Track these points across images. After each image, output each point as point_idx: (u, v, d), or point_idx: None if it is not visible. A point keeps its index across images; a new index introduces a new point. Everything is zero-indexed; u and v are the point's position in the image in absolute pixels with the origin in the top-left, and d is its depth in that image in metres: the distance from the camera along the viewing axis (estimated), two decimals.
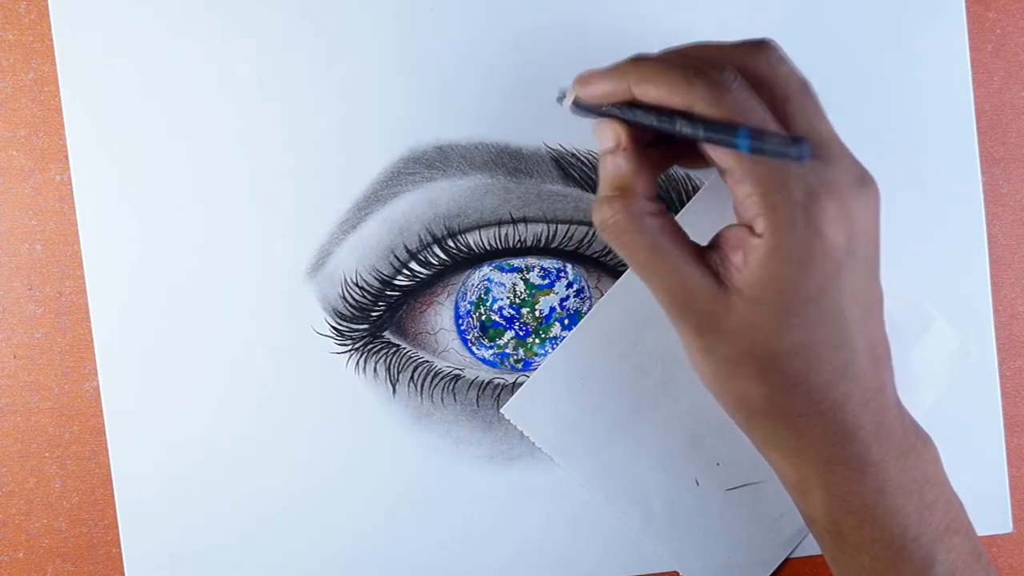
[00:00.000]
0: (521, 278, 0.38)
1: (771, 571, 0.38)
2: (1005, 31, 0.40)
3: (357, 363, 0.38)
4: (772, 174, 0.28)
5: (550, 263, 0.38)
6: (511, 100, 0.38)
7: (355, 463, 0.38)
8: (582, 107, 0.32)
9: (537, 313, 0.38)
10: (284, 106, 0.38)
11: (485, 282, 0.38)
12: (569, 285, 0.39)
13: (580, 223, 0.38)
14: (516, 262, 0.38)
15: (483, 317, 0.38)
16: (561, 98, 0.33)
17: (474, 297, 0.38)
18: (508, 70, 0.38)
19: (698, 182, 0.38)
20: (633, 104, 0.30)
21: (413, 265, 0.38)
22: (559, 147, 0.38)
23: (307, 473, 0.38)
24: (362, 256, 0.38)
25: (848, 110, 0.39)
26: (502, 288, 0.38)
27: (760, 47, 0.30)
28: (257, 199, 0.38)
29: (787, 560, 0.39)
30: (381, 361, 0.38)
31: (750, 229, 0.29)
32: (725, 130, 0.27)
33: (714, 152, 0.29)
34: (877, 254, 0.31)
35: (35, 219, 0.38)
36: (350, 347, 0.38)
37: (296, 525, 0.38)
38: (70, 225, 0.38)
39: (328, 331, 0.38)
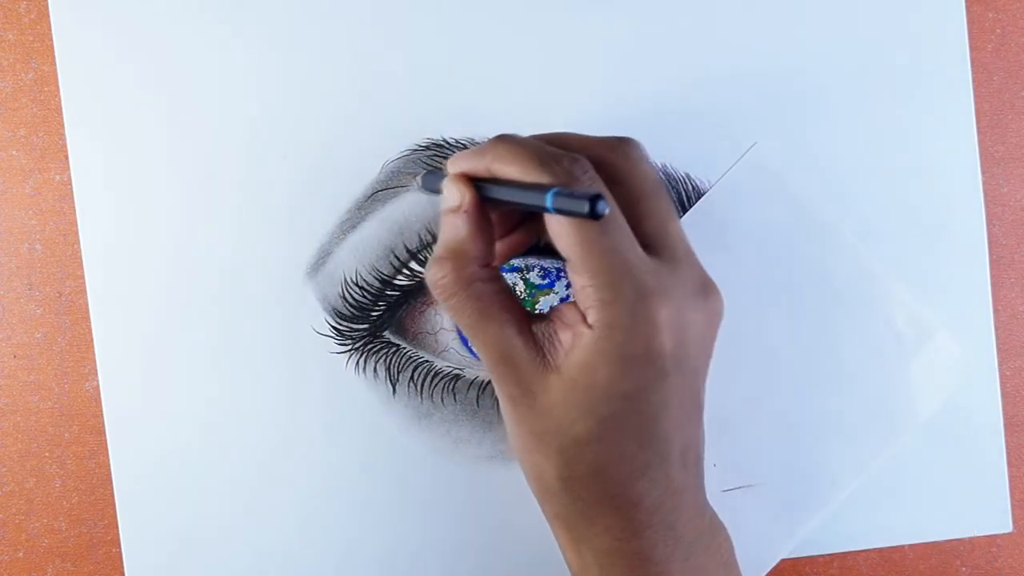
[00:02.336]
0: (521, 278, 0.38)
1: (766, 571, 0.38)
2: (1005, 31, 0.40)
3: (357, 363, 0.38)
4: (610, 269, 0.28)
5: (550, 263, 0.38)
6: (512, 99, 0.38)
7: (355, 463, 0.38)
8: (427, 184, 0.33)
9: (538, 312, 0.38)
10: (284, 106, 0.38)
11: None
12: (569, 285, 0.39)
13: None
14: (516, 262, 0.38)
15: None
16: (414, 177, 0.36)
17: None
18: (509, 69, 0.38)
19: (698, 182, 0.38)
20: (490, 181, 0.30)
21: (413, 265, 0.38)
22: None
23: (307, 473, 0.38)
24: (362, 256, 0.38)
25: (848, 110, 0.39)
26: None
27: (622, 144, 0.31)
28: (257, 199, 0.38)
29: (781, 560, 0.39)
30: (381, 361, 0.38)
31: (583, 317, 0.29)
32: (538, 192, 0.27)
33: (558, 240, 0.29)
34: (706, 364, 0.31)
35: (35, 219, 0.38)
36: (350, 347, 0.38)
37: (296, 525, 0.38)
38: (70, 225, 0.38)
39: (328, 331, 0.38)
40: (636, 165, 0.31)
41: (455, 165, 0.31)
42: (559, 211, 0.27)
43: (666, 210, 0.31)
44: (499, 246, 0.33)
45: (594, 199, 0.25)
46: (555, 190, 0.27)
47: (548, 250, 0.38)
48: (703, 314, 0.30)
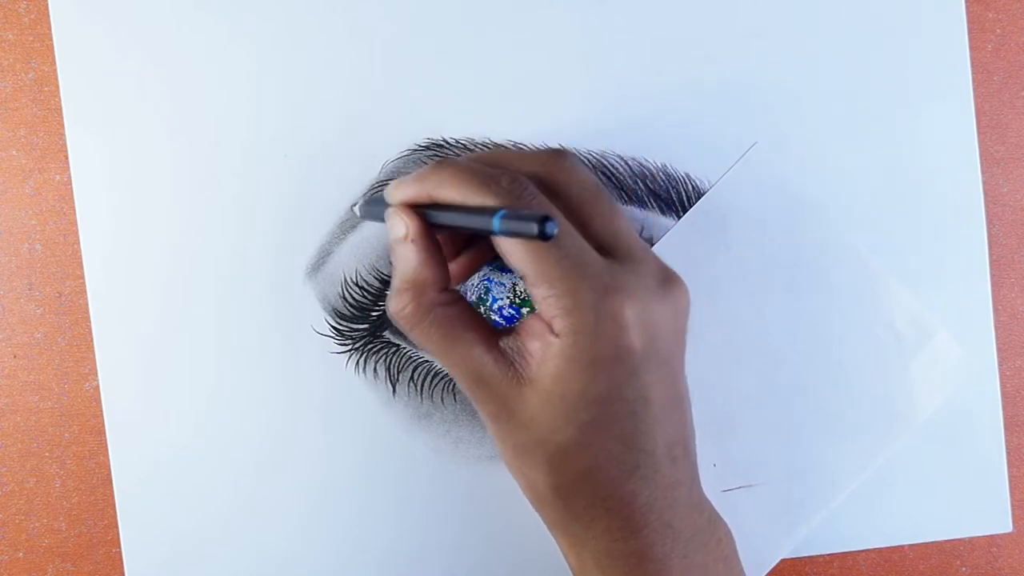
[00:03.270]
0: (521, 277, 0.38)
1: (766, 571, 0.38)
2: (1005, 31, 0.40)
3: (357, 363, 0.38)
4: (566, 276, 0.28)
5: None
6: (512, 100, 0.38)
7: (355, 463, 0.38)
8: (367, 214, 0.34)
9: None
10: (284, 106, 0.38)
11: (485, 282, 0.38)
12: None
13: None
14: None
15: (483, 316, 0.38)
16: (352, 207, 0.37)
17: (474, 297, 0.38)
18: (509, 70, 0.38)
19: (698, 182, 0.38)
20: (434, 207, 0.30)
21: None
22: (559, 147, 0.38)
23: (307, 473, 0.38)
24: (362, 256, 0.38)
25: (848, 111, 0.39)
26: (502, 288, 0.38)
27: (555, 156, 0.31)
28: (257, 199, 0.38)
29: (781, 560, 0.39)
30: (381, 361, 0.38)
31: (550, 326, 0.29)
32: (484, 215, 0.27)
33: (510, 258, 0.29)
34: (680, 355, 0.31)
35: (35, 219, 0.38)
36: (350, 347, 0.38)
37: (296, 526, 0.38)
38: (70, 225, 0.38)
39: (328, 331, 0.38)
40: (572, 174, 0.31)
41: (395, 195, 0.31)
42: (506, 233, 0.27)
43: (611, 211, 0.31)
44: (453, 267, 0.33)
45: (542, 220, 0.25)
46: (501, 213, 0.27)
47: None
48: (669, 306, 0.30)
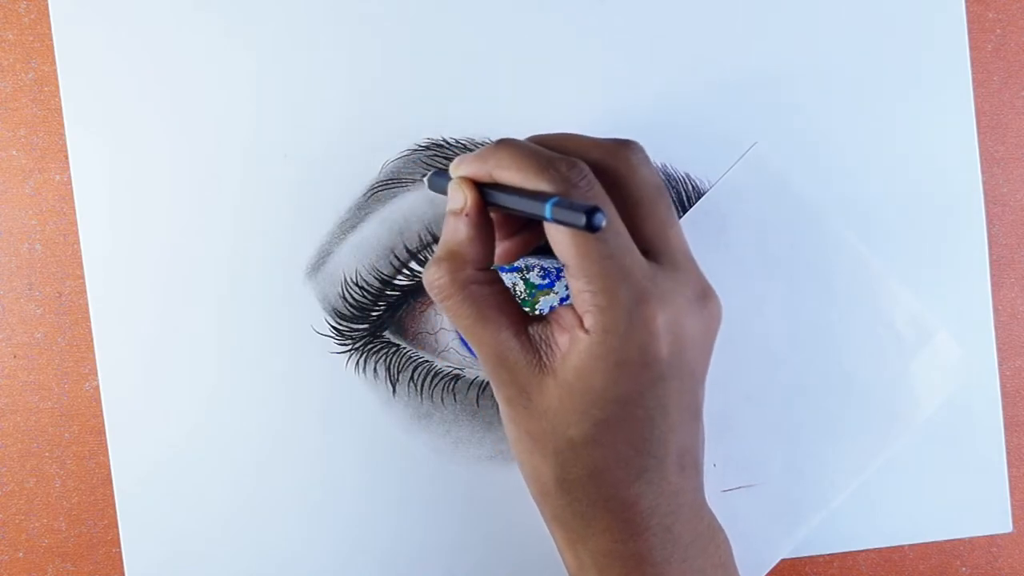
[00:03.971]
0: (521, 278, 0.38)
1: (766, 572, 0.38)
2: (1005, 31, 0.40)
3: (357, 363, 0.38)
4: (606, 275, 0.28)
5: (550, 263, 0.38)
6: (512, 100, 0.38)
7: (355, 463, 0.38)
8: (434, 185, 0.33)
9: (537, 313, 0.38)
10: (284, 106, 0.38)
11: None
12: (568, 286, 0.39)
13: None
14: (516, 262, 0.38)
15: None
16: (422, 177, 0.37)
17: None
18: (509, 70, 0.38)
19: (698, 182, 0.38)
20: (493, 187, 0.30)
21: (413, 265, 0.38)
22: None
23: (307, 474, 0.38)
24: (362, 256, 0.38)
25: (848, 110, 0.39)
26: None
27: (623, 147, 0.31)
28: (257, 199, 0.38)
29: (781, 560, 0.39)
30: (381, 361, 0.38)
31: (580, 321, 0.29)
32: (539, 200, 0.27)
33: (557, 246, 0.29)
34: (704, 369, 0.31)
35: (35, 219, 0.38)
36: (350, 347, 0.38)
37: (296, 526, 0.38)
38: (70, 225, 0.38)
39: (328, 331, 0.38)
40: (636, 170, 0.31)
41: (458, 169, 0.31)
42: (557, 221, 0.27)
43: (666, 215, 0.31)
44: (504, 246, 0.33)
45: (591, 212, 0.25)
46: (554, 200, 0.27)
47: (547, 249, 0.38)
48: (701, 320, 0.30)
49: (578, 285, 0.29)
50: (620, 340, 0.28)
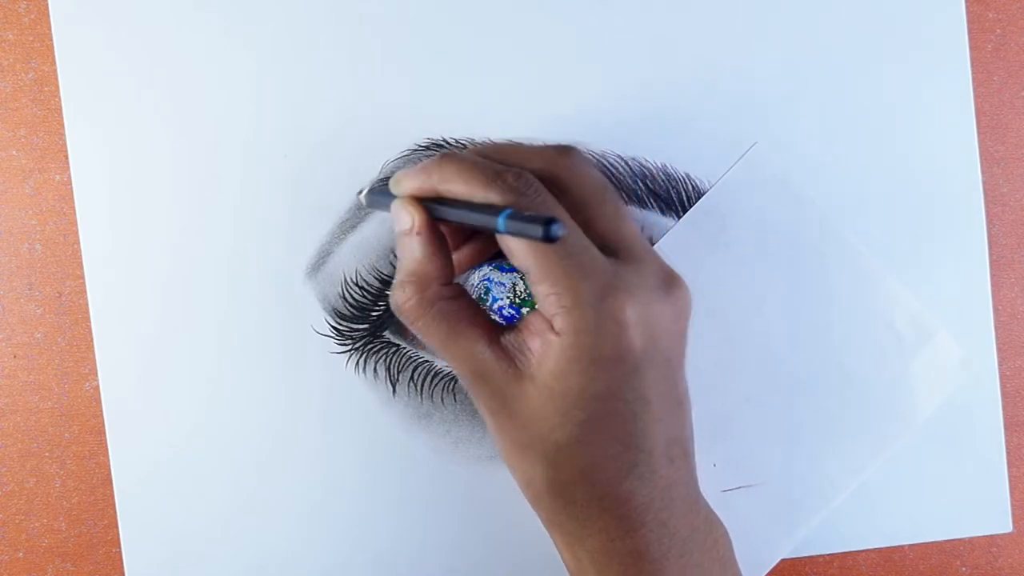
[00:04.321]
0: (521, 277, 0.38)
1: (766, 572, 0.38)
2: (1005, 31, 0.40)
3: (357, 363, 0.38)
4: (568, 275, 0.28)
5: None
6: (512, 99, 0.38)
7: (355, 463, 0.38)
8: (372, 203, 0.34)
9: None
10: (284, 106, 0.38)
11: (485, 282, 0.38)
12: None
13: None
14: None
15: (485, 312, 0.38)
16: (358, 194, 0.37)
17: (474, 297, 0.38)
18: (509, 70, 0.38)
19: (698, 182, 0.38)
20: (439, 201, 0.30)
21: None
22: (566, 144, 0.38)
23: (307, 473, 0.38)
24: (362, 256, 0.38)
25: (848, 110, 0.39)
26: (502, 288, 0.38)
27: (562, 152, 0.31)
28: (257, 199, 0.38)
29: (781, 560, 0.39)
30: (381, 361, 0.38)
31: (551, 324, 0.29)
32: (489, 213, 0.27)
33: (513, 255, 0.29)
34: (680, 357, 0.31)
35: (35, 219, 0.38)
36: (350, 347, 0.38)
37: (296, 526, 0.38)
38: (70, 225, 0.38)
39: (328, 331, 0.38)
40: (579, 172, 0.31)
41: (400, 186, 0.31)
42: (512, 233, 0.27)
43: (615, 211, 0.31)
44: (456, 256, 0.33)
45: (547, 223, 0.25)
46: (507, 212, 0.27)
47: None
48: (669, 307, 0.30)
49: (542, 289, 0.29)
50: (591, 337, 0.28)
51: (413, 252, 0.31)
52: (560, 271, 0.28)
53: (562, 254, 0.28)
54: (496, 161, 0.30)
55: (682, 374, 0.31)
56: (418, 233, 0.30)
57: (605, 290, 0.28)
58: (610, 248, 0.30)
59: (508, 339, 0.30)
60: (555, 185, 0.30)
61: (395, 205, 0.31)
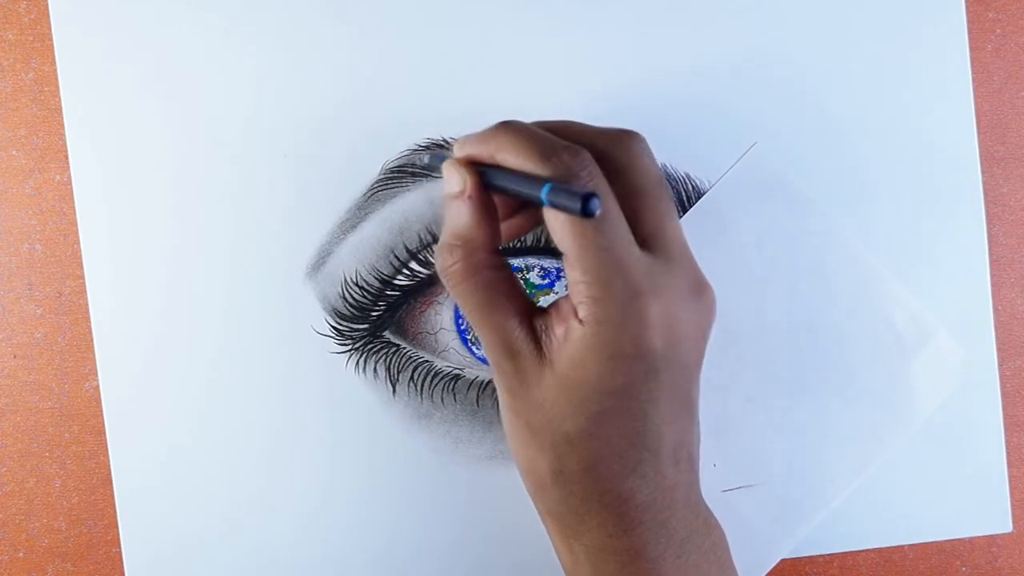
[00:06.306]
0: (521, 278, 0.38)
1: (766, 572, 0.38)
2: (1005, 31, 0.40)
3: (357, 363, 0.38)
4: (602, 266, 0.28)
5: (549, 263, 0.38)
6: (512, 99, 0.38)
7: (355, 463, 0.38)
8: (432, 165, 0.33)
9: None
10: (284, 106, 0.38)
11: None
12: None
13: None
14: (516, 262, 0.38)
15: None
16: (420, 153, 0.37)
17: None
18: (509, 69, 0.38)
19: (698, 182, 0.38)
20: (492, 168, 0.30)
21: (413, 265, 0.38)
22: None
23: (307, 473, 0.38)
24: (362, 256, 0.38)
25: (848, 110, 0.39)
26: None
27: (626, 137, 0.31)
28: (257, 199, 0.38)
29: (781, 560, 0.39)
30: (381, 361, 0.38)
31: (576, 311, 0.29)
32: (535, 184, 0.27)
33: (555, 233, 0.29)
34: (698, 363, 0.31)
35: (35, 219, 0.38)
36: (350, 347, 0.38)
37: (296, 525, 0.38)
38: (70, 225, 0.38)
39: (328, 331, 0.38)
40: (637, 160, 0.30)
41: (461, 149, 0.31)
42: (553, 205, 0.27)
43: (665, 208, 0.30)
44: (503, 226, 0.33)
45: (587, 197, 0.25)
46: (551, 184, 0.27)
47: (547, 249, 0.38)
48: (695, 314, 0.30)
49: (574, 275, 0.29)
50: (614, 331, 0.28)
51: (462, 216, 0.30)
52: (595, 260, 0.28)
53: (601, 244, 0.28)
54: (556, 135, 0.30)
55: (697, 380, 0.31)
56: (470, 197, 0.30)
57: (635, 287, 0.28)
58: (650, 244, 0.30)
59: (538, 321, 0.30)
60: (612, 169, 0.30)
61: (446, 166, 0.31)
